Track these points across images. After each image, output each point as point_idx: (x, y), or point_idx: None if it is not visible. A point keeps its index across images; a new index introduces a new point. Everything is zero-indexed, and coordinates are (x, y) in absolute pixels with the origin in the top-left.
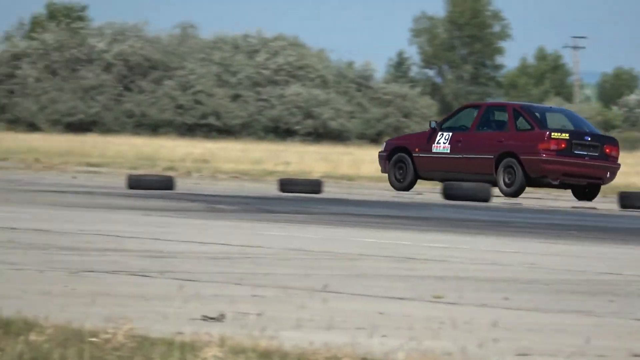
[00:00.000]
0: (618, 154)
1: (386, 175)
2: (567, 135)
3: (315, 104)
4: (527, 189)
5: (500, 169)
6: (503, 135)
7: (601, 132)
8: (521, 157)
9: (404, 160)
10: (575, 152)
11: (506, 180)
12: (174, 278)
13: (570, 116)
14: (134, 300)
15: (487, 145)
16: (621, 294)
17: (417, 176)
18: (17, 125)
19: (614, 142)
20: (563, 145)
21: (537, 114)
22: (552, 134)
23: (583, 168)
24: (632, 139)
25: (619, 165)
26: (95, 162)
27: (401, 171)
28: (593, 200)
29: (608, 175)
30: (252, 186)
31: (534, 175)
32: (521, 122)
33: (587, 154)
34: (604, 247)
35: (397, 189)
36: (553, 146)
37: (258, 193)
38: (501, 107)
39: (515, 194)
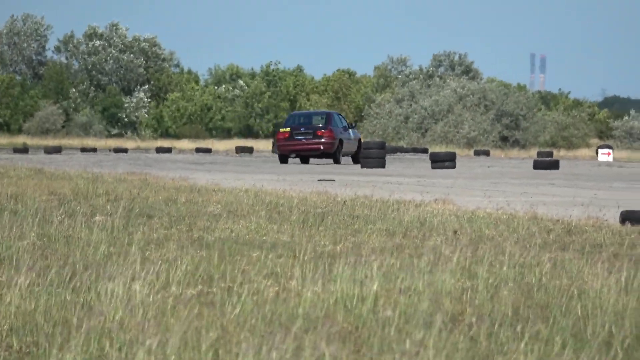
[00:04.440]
0: (330, 134)
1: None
2: (289, 129)
3: None
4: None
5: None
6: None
7: (323, 125)
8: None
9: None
10: (296, 137)
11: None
12: None
13: (325, 115)
14: None
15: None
16: None
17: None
18: None
19: (325, 129)
20: (287, 135)
21: (291, 117)
22: (281, 129)
23: (301, 146)
24: None
25: (331, 140)
26: None
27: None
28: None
29: (322, 147)
30: None
31: (280, 152)
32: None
33: (304, 138)
34: None
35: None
36: (281, 136)
37: None
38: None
39: (281, 162)
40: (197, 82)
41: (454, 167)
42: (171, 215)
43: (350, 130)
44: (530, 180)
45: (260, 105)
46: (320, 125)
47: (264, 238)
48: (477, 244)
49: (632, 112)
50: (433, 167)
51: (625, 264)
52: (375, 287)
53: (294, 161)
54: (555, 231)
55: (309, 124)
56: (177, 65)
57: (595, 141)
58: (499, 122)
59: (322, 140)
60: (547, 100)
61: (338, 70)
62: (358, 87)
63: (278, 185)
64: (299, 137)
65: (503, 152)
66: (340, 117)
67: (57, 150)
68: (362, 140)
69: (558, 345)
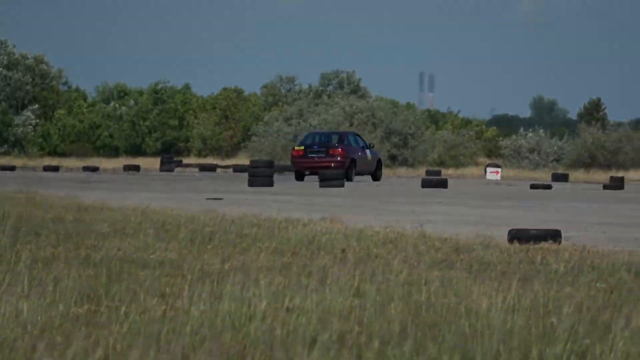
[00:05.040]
0: (341, 152)
1: None
2: (303, 147)
3: None
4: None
5: None
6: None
7: (335, 144)
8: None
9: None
10: (309, 155)
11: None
12: None
13: (339, 135)
14: None
15: None
16: None
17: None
18: None
19: (336, 147)
20: (301, 153)
21: (308, 136)
22: (296, 147)
23: (314, 163)
24: None
25: (342, 158)
26: None
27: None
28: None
29: (333, 164)
30: None
31: (295, 169)
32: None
33: (316, 156)
34: None
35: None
36: (295, 154)
37: None
38: None
39: (297, 179)
40: (85, 99)
41: (342, 185)
42: (59, 234)
43: (367, 150)
44: (418, 199)
45: (147, 123)
46: (334, 144)
47: (152, 256)
48: (365, 262)
49: (521, 130)
50: (321, 186)
51: (513, 283)
52: (263, 306)
53: (176, 178)
54: (443, 250)
55: (323, 143)
56: (66, 83)
57: (483, 160)
58: (388, 141)
59: (334, 158)
60: (437, 118)
61: (225, 88)
62: (247, 105)
63: (166, 204)
64: (312, 155)
65: (392, 170)
66: (358, 137)
67: None
68: (381, 160)
69: None
